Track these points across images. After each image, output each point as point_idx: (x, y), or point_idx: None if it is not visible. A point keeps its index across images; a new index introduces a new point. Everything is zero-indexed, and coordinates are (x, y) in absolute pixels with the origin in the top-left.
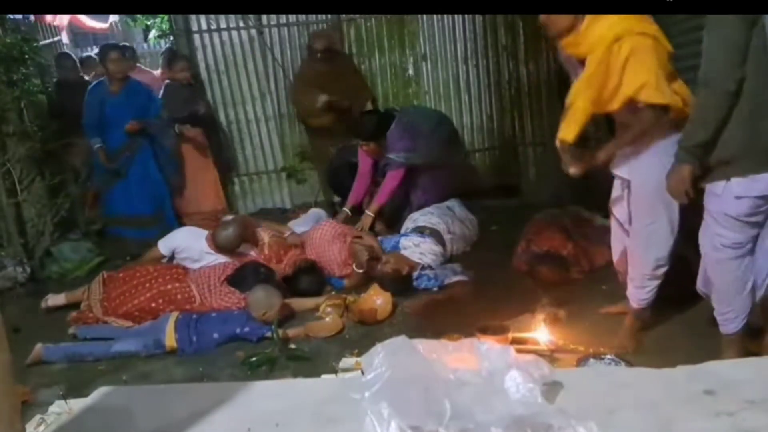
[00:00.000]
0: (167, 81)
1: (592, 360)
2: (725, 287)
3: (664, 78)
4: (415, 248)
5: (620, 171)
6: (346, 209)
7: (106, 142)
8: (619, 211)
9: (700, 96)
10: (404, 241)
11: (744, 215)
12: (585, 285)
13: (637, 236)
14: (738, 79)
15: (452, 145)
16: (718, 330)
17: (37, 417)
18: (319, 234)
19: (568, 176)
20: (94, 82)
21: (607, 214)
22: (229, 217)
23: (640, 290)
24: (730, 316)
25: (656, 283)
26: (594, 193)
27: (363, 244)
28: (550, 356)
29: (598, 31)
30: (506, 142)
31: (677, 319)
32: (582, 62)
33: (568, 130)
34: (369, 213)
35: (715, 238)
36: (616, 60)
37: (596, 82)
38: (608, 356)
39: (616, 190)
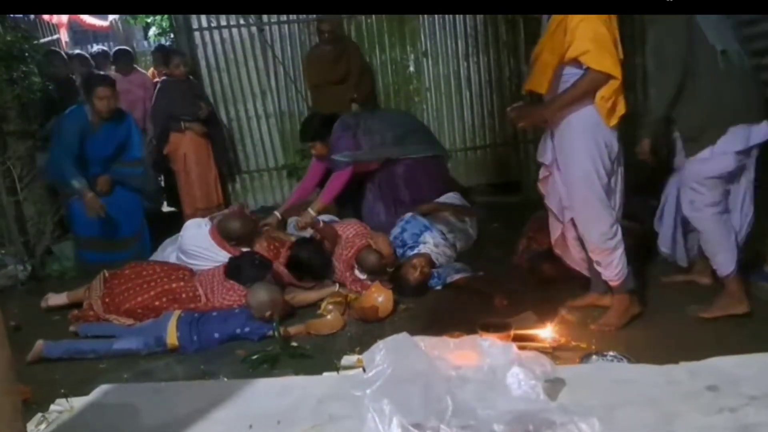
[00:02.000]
0: (163, 78)
1: (594, 356)
2: (713, 240)
3: (610, 50)
4: (435, 249)
5: (542, 158)
6: (276, 213)
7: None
8: (548, 194)
9: (656, 80)
10: (428, 237)
11: (728, 170)
12: (585, 281)
13: (577, 218)
14: (682, 65)
15: (411, 143)
16: (719, 325)
17: (38, 415)
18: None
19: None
20: (71, 108)
21: None
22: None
23: (608, 268)
24: (721, 261)
25: (617, 255)
26: None
27: (376, 249)
28: (552, 353)
29: None
30: (507, 139)
31: (678, 315)
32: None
33: (538, 82)
34: (311, 211)
35: (696, 201)
36: (571, 22)
37: (557, 39)
38: (611, 353)
39: (542, 173)
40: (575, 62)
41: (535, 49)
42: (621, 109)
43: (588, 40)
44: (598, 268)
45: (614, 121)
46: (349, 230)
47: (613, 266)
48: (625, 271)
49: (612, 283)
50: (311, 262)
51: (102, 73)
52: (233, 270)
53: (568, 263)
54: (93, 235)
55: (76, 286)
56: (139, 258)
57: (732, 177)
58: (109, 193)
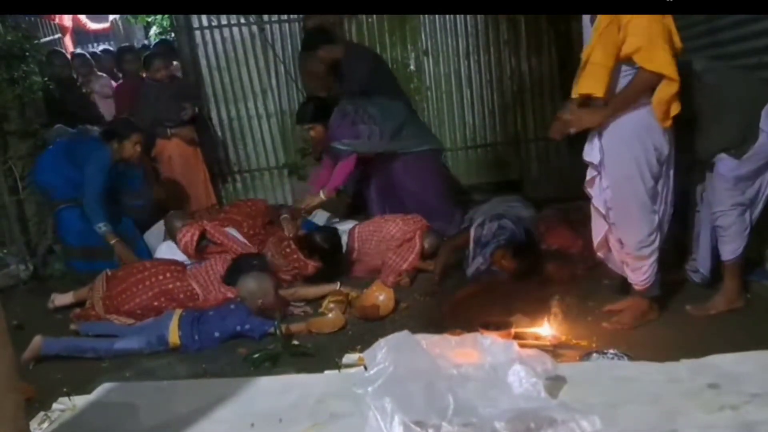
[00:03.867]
0: (146, 82)
1: (595, 354)
2: (731, 233)
3: (664, 47)
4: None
5: (590, 157)
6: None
7: (66, 191)
8: (595, 195)
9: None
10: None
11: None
12: (588, 279)
13: (617, 220)
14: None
15: (409, 137)
16: (719, 323)
17: (41, 414)
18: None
19: (555, 140)
20: (101, 153)
21: None
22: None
23: (636, 272)
24: (731, 248)
25: (649, 262)
26: None
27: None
28: (553, 351)
29: None
30: (508, 138)
31: (678, 313)
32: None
33: (592, 85)
34: (322, 195)
35: (727, 200)
36: (624, 17)
37: (609, 37)
38: (611, 351)
39: (590, 174)
40: (630, 60)
41: (584, 50)
42: (675, 108)
43: (640, 36)
44: (626, 269)
45: (669, 122)
46: (392, 228)
47: (641, 272)
48: (652, 278)
49: (636, 287)
50: (328, 250)
51: (128, 118)
52: (231, 276)
53: (609, 266)
54: (82, 244)
55: (79, 285)
56: None
57: (760, 171)
58: None
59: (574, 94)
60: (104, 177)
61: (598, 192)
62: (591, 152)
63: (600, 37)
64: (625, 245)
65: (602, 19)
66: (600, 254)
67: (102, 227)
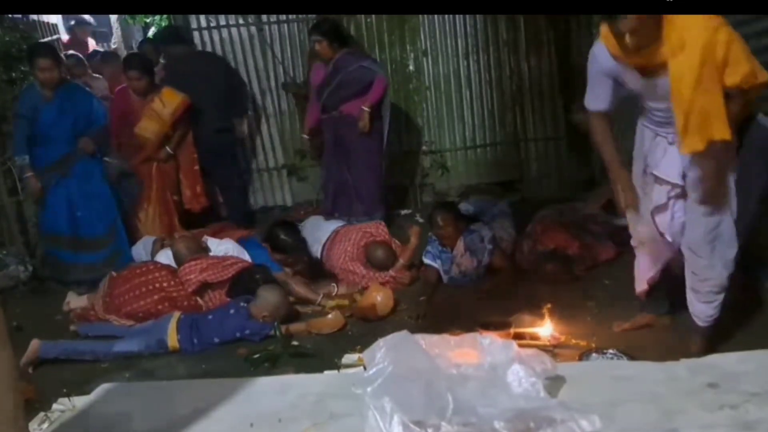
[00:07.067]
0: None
1: (594, 354)
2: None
3: (750, 54)
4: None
5: (674, 178)
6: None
7: (41, 156)
8: (664, 222)
9: None
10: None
11: None
12: (588, 280)
13: (701, 246)
14: None
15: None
16: (721, 324)
17: (41, 414)
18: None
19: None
20: (25, 87)
21: (608, 210)
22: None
23: (707, 305)
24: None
25: (724, 294)
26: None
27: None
28: (553, 351)
29: (686, 31)
30: (508, 138)
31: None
32: (644, 69)
33: (722, 129)
34: (365, 108)
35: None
36: (721, 50)
37: (710, 79)
38: (611, 350)
39: (661, 197)
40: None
41: (677, 104)
42: None
43: (743, 59)
44: (692, 297)
45: None
46: (348, 239)
47: (711, 306)
48: (718, 316)
49: (699, 323)
50: (287, 241)
51: (45, 41)
52: (236, 290)
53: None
54: (60, 232)
55: (79, 286)
56: (116, 259)
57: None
58: (93, 154)
59: (686, 151)
60: (26, 110)
61: (669, 219)
62: (671, 168)
63: (699, 81)
64: (706, 280)
65: (695, 62)
66: (642, 288)
67: (18, 160)
